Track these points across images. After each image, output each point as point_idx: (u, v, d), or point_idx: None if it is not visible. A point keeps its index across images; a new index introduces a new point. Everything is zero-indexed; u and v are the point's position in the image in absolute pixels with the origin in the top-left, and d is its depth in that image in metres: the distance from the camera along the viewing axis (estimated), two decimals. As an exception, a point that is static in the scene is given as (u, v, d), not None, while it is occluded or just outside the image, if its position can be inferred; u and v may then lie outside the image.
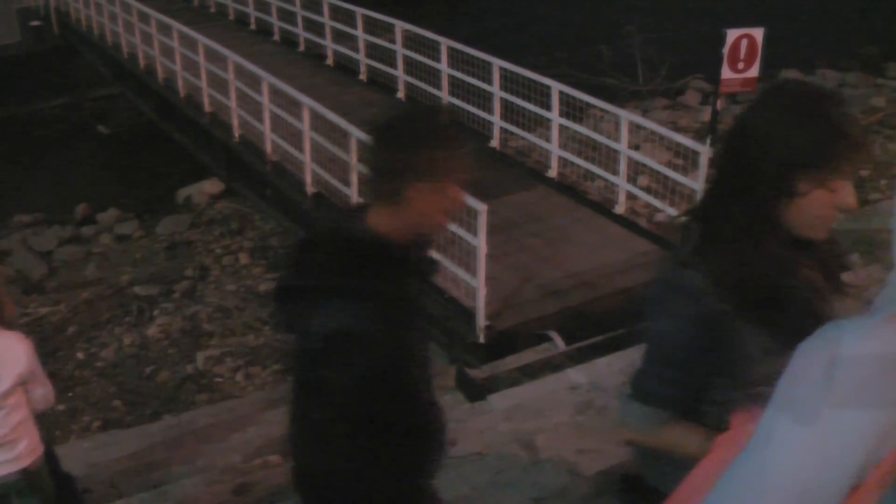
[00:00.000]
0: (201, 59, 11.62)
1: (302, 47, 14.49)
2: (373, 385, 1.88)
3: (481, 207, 6.47)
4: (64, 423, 7.58)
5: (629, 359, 5.42)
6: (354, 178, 8.30)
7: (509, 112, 9.79)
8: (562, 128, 9.20)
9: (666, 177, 8.12)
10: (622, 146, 8.33)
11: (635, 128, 9.17)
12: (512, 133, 9.99)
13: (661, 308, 1.76)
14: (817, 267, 1.80)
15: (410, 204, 1.89)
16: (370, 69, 12.65)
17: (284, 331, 2.10)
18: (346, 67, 13.23)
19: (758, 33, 7.53)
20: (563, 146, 9.27)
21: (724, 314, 1.67)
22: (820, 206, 1.65)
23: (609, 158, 8.69)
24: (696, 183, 7.65)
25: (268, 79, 9.94)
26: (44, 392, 3.58)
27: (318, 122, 9.01)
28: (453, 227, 6.95)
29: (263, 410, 6.23)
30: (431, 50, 11.00)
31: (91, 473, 4.88)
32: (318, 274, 1.94)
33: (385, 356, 1.89)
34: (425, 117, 2.02)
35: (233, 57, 10.84)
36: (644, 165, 8.72)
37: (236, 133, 10.96)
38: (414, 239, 1.97)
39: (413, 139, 1.90)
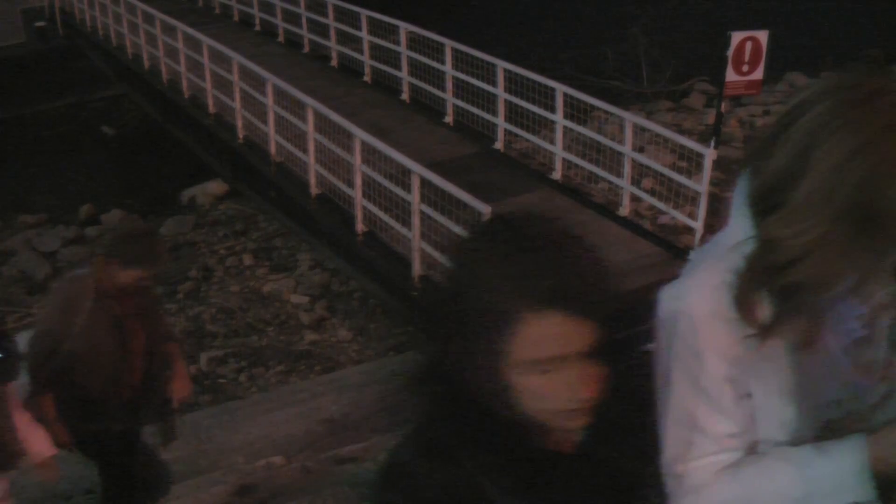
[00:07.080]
0: (205, 59, 11.63)
1: (306, 48, 14.50)
2: None
3: (485, 209, 6.46)
4: (67, 424, 7.59)
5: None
6: (358, 180, 8.29)
7: (513, 114, 9.79)
8: (566, 130, 9.20)
9: (670, 179, 8.12)
10: (626, 148, 8.32)
11: (639, 130, 9.14)
12: (516, 135, 9.98)
13: None
14: None
15: None
16: (374, 70, 12.65)
17: None
18: (350, 69, 13.23)
19: (762, 35, 7.52)
20: (567, 148, 9.26)
21: None
22: None
23: (613, 160, 8.68)
24: (700, 185, 7.64)
25: (272, 80, 9.94)
26: None
27: (323, 124, 9.01)
28: (455, 229, 6.96)
29: (267, 412, 6.23)
30: (436, 52, 11.00)
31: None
32: None
33: None
34: None
35: (237, 58, 10.84)
36: (648, 168, 8.71)
37: (240, 134, 10.96)
38: None
39: None
